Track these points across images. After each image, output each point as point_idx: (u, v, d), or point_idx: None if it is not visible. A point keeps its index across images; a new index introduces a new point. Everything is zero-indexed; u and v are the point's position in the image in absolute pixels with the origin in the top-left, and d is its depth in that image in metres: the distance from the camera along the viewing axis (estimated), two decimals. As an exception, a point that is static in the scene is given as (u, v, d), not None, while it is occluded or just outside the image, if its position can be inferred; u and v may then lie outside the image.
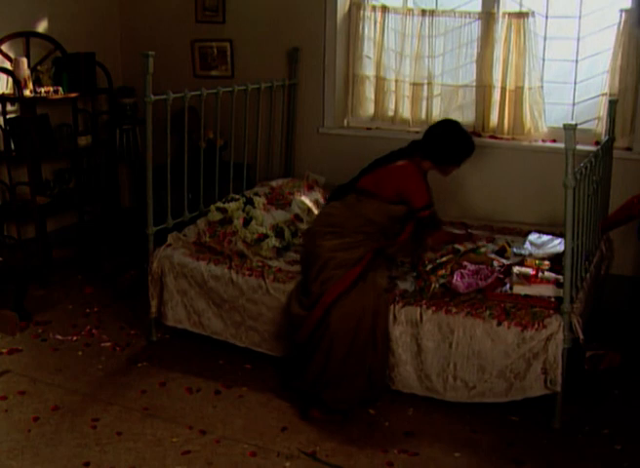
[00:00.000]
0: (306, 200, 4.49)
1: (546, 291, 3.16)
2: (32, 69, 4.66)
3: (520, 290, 3.19)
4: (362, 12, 4.74)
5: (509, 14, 4.37)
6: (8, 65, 4.53)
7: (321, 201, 4.62)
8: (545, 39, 4.39)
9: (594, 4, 4.24)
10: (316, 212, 4.49)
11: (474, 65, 4.54)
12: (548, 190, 4.31)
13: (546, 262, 3.34)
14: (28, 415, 3.19)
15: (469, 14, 4.49)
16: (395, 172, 3.46)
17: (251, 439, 3.06)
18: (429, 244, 3.60)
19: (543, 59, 4.41)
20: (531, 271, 3.25)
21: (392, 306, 3.26)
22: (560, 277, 3.18)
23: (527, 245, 3.82)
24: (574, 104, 4.43)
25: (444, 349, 3.19)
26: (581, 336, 3.03)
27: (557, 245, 3.71)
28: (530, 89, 4.39)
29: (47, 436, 3.05)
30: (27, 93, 4.46)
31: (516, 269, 3.31)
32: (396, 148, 3.62)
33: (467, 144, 3.56)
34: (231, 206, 3.89)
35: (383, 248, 3.46)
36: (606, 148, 3.78)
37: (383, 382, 3.30)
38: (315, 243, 3.43)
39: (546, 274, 3.23)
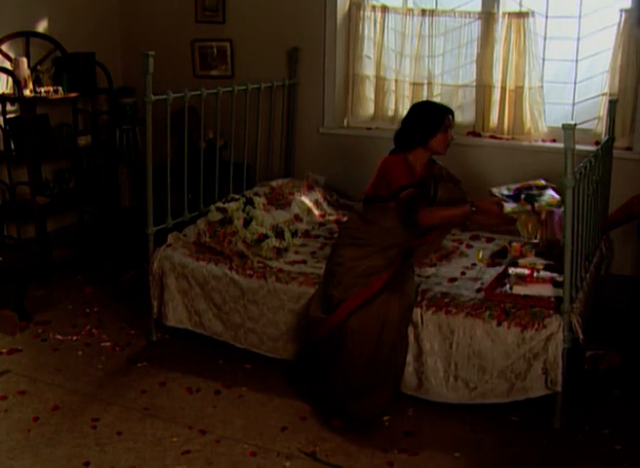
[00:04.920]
0: (306, 200, 4.50)
1: (546, 291, 3.16)
2: (32, 69, 4.65)
3: (519, 290, 3.18)
4: (362, 12, 4.74)
5: (509, 14, 4.38)
6: (8, 65, 4.53)
7: (321, 201, 4.62)
8: (545, 39, 4.39)
9: (594, 4, 4.24)
10: (316, 212, 4.51)
11: (474, 65, 4.54)
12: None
13: (540, 262, 3.34)
14: (28, 415, 3.19)
15: (469, 14, 4.50)
16: (380, 167, 3.32)
17: (251, 439, 3.06)
18: (422, 224, 3.23)
19: (543, 59, 4.41)
20: (526, 271, 3.24)
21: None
22: (556, 275, 3.18)
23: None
24: (574, 104, 4.43)
25: (445, 350, 3.18)
26: (581, 336, 3.03)
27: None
28: (530, 89, 4.39)
29: (47, 436, 3.05)
30: (27, 93, 4.46)
31: (511, 270, 3.30)
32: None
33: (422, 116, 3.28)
34: (231, 206, 3.89)
35: (408, 255, 3.37)
36: (606, 148, 3.78)
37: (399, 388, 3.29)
38: (338, 253, 3.38)
39: (542, 273, 3.22)
